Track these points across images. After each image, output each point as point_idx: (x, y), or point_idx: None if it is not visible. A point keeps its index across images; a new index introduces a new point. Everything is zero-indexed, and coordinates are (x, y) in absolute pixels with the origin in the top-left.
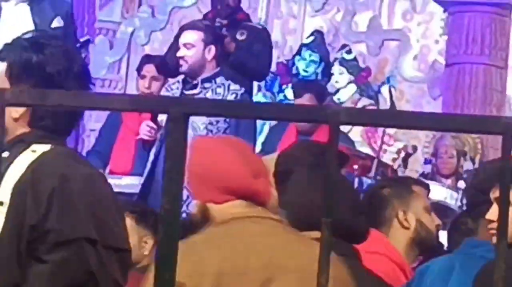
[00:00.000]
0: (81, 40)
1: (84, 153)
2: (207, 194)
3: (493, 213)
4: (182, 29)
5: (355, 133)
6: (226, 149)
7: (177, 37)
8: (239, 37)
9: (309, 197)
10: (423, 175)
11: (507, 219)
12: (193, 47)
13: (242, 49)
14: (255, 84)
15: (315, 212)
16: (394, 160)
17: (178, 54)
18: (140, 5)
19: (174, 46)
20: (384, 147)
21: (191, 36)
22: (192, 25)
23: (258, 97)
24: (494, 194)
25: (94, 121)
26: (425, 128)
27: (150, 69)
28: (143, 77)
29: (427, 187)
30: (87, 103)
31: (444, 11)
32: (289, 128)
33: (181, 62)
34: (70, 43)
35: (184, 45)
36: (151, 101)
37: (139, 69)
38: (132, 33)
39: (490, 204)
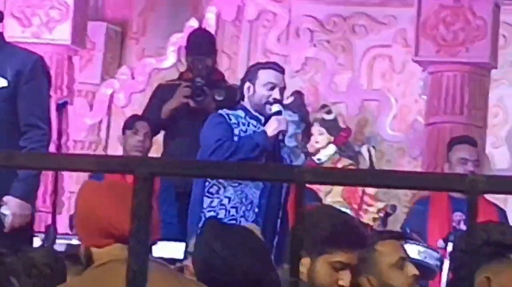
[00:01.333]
0: (59, 102)
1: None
2: (89, 238)
3: None
4: (159, 87)
5: (336, 193)
6: (107, 193)
7: (153, 96)
8: (217, 97)
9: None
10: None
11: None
12: None
13: (220, 109)
14: None
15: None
16: (375, 219)
17: None
18: (119, 67)
19: (155, 104)
20: (365, 207)
21: None
22: None
23: None
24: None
25: (75, 183)
26: (390, 187)
27: (143, 125)
28: (136, 132)
29: (399, 238)
30: (53, 165)
31: (423, 71)
32: None
33: None
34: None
35: None
36: (117, 161)
37: (128, 127)
38: (111, 95)
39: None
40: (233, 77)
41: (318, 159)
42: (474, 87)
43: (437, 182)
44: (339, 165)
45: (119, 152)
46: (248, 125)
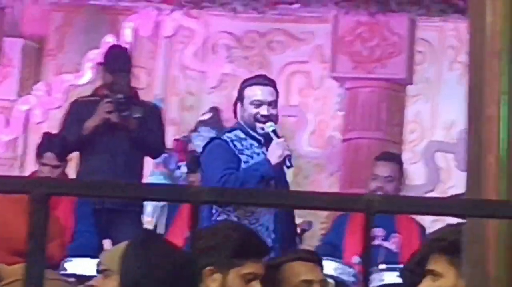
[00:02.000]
0: None
1: None
2: None
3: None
4: (75, 101)
5: None
6: (17, 210)
7: (69, 112)
8: (132, 114)
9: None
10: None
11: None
12: None
13: (139, 126)
14: (151, 161)
15: None
16: None
17: None
18: (36, 83)
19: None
20: None
21: None
22: None
23: (155, 174)
24: (428, 266)
25: None
26: (284, 206)
27: (50, 158)
28: (44, 164)
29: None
30: None
31: (340, 87)
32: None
33: None
34: None
35: None
36: (12, 182)
37: (39, 153)
38: (28, 111)
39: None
40: (151, 94)
41: None
42: (391, 103)
43: (334, 202)
44: None
45: (36, 168)
46: (251, 147)
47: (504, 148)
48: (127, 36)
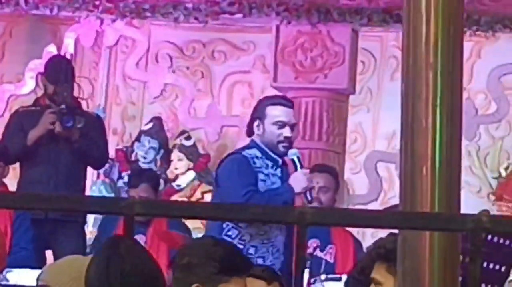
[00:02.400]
0: None
1: None
2: None
3: None
4: (16, 111)
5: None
6: None
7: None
8: (75, 124)
9: None
10: None
11: None
12: None
13: (82, 136)
14: (93, 171)
15: None
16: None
17: None
18: None
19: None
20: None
21: None
22: None
23: (97, 184)
24: (372, 274)
25: None
26: (215, 219)
27: None
28: None
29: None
30: None
31: None
32: None
33: None
34: None
35: None
36: None
37: None
38: None
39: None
40: (92, 104)
41: (178, 185)
42: (333, 113)
43: (267, 214)
44: (199, 191)
45: None
46: (267, 167)
47: (438, 160)
48: (69, 46)
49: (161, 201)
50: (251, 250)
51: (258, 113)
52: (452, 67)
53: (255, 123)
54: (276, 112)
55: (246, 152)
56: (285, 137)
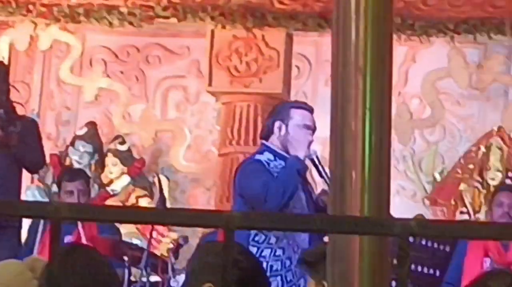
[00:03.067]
0: None
1: None
2: None
3: None
4: None
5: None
6: None
7: None
8: (12, 129)
9: None
10: None
11: None
12: None
13: (19, 141)
14: (28, 176)
15: None
16: (169, 250)
17: None
18: None
19: None
20: (159, 237)
21: None
22: None
23: (31, 189)
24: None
25: None
26: (143, 223)
27: None
28: None
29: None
30: None
31: (217, 101)
32: None
33: None
34: None
35: None
36: None
37: None
38: None
39: None
40: (27, 108)
41: (113, 190)
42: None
43: (194, 218)
44: (133, 195)
45: None
46: (277, 168)
47: (368, 164)
48: (3, 50)
49: (88, 205)
50: (279, 252)
51: (280, 115)
52: (382, 71)
53: (276, 125)
54: (301, 116)
55: (258, 157)
56: (309, 141)
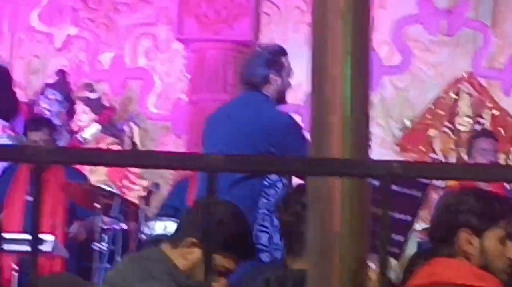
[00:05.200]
0: None
1: None
2: None
3: None
4: None
5: (101, 172)
6: None
7: None
8: None
9: None
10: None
11: None
12: None
13: None
14: None
15: None
16: (139, 198)
17: None
18: None
19: None
20: (129, 185)
21: None
22: None
23: (2, 137)
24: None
25: None
26: (123, 165)
27: None
28: None
29: None
30: None
31: (187, 49)
32: None
33: None
34: None
35: None
36: None
37: None
38: None
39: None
40: None
41: (83, 137)
42: (237, 65)
43: (177, 161)
44: (103, 144)
45: None
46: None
47: (348, 107)
48: None
49: (70, 148)
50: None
51: (276, 66)
52: (361, 14)
53: (272, 75)
54: (288, 62)
55: (281, 110)
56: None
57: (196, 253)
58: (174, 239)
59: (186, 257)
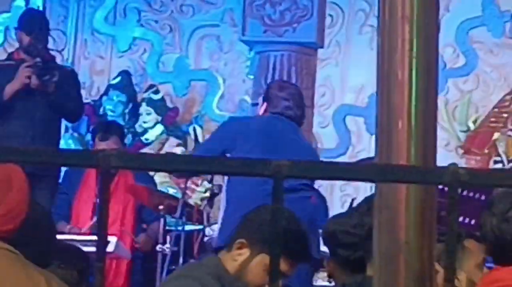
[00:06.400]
0: None
1: None
2: None
3: None
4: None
5: (165, 173)
6: None
7: None
8: (49, 77)
9: None
10: None
11: None
12: None
13: (57, 89)
14: (62, 126)
15: None
16: (203, 199)
17: None
18: None
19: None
20: (193, 186)
21: None
22: None
23: (65, 138)
24: None
25: None
26: (191, 171)
27: None
28: None
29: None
30: None
31: (251, 51)
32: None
33: None
34: None
35: None
36: None
37: None
38: None
39: None
40: (60, 58)
41: (146, 139)
42: (301, 67)
43: (243, 167)
44: (167, 145)
45: None
46: None
47: (414, 113)
48: None
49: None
50: None
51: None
52: (428, 19)
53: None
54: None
55: None
56: None
57: (244, 254)
58: (229, 243)
59: (236, 258)
